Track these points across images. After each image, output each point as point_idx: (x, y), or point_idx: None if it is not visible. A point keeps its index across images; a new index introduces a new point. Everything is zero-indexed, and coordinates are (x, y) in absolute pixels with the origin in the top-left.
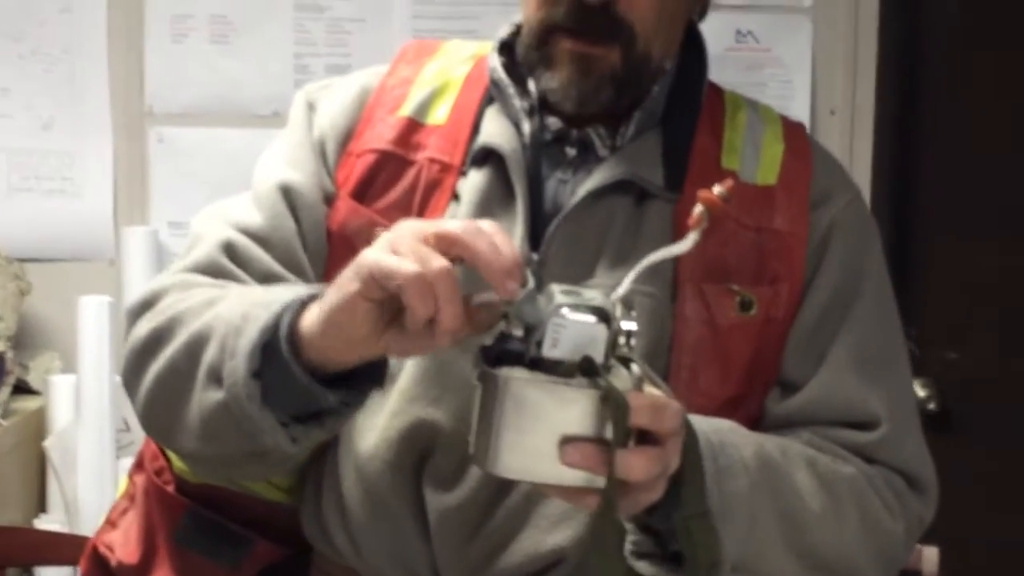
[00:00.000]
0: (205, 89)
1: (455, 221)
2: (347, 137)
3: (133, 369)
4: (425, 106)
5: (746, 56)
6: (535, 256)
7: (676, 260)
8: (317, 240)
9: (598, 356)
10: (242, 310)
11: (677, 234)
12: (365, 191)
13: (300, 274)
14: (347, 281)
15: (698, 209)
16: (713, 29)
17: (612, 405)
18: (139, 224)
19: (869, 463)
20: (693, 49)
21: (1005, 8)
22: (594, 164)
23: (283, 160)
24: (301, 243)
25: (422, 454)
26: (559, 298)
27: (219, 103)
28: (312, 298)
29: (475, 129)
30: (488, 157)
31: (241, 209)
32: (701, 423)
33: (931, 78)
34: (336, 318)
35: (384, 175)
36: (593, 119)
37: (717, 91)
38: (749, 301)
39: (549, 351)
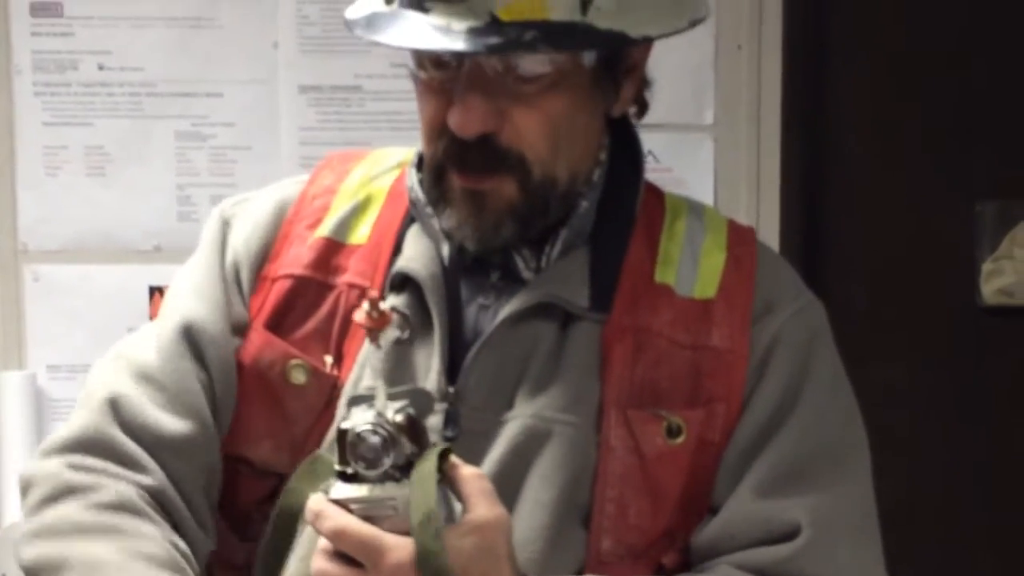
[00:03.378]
0: (82, 224)
1: None
2: (262, 260)
3: None
4: (346, 224)
5: (647, 177)
6: (451, 389)
7: (602, 385)
8: (225, 376)
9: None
10: None
11: (605, 357)
12: (281, 320)
13: (196, 418)
14: None
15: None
16: None
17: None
18: (15, 368)
19: None
20: (627, 151)
21: (906, 128)
22: (518, 288)
23: (190, 289)
24: (204, 384)
25: None
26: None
27: (98, 239)
28: None
29: (397, 250)
30: (407, 282)
31: (141, 344)
32: None
33: (835, 195)
34: None
35: (302, 302)
36: (529, 237)
37: (657, 195)
38: (677, 427)
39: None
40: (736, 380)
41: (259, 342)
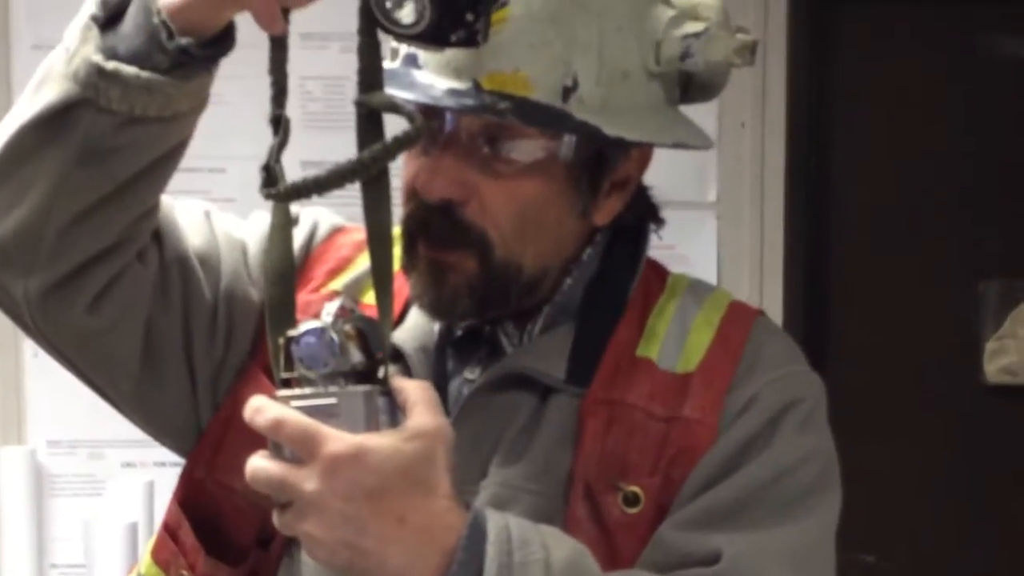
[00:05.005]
0: None
1: None
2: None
3: None
4: (359, 284)
5: (649, 254)
6: None
7: (573, 456)
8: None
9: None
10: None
11: (582, 429)
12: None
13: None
14: None
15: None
16: None
17: None
18: (15, 443)
19: None
20: (628, 241)
21: (909, 207)
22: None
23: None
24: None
25: None
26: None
27: None
28: None
29: (402, 319)
30: (401, 354)
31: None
32: (514, 518)
33: (839, 272)
34: None
35: None
36: (503, 315)
37: (660, 276)
38: (634, 496)
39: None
40: (700, 447)
41: (254, 386)
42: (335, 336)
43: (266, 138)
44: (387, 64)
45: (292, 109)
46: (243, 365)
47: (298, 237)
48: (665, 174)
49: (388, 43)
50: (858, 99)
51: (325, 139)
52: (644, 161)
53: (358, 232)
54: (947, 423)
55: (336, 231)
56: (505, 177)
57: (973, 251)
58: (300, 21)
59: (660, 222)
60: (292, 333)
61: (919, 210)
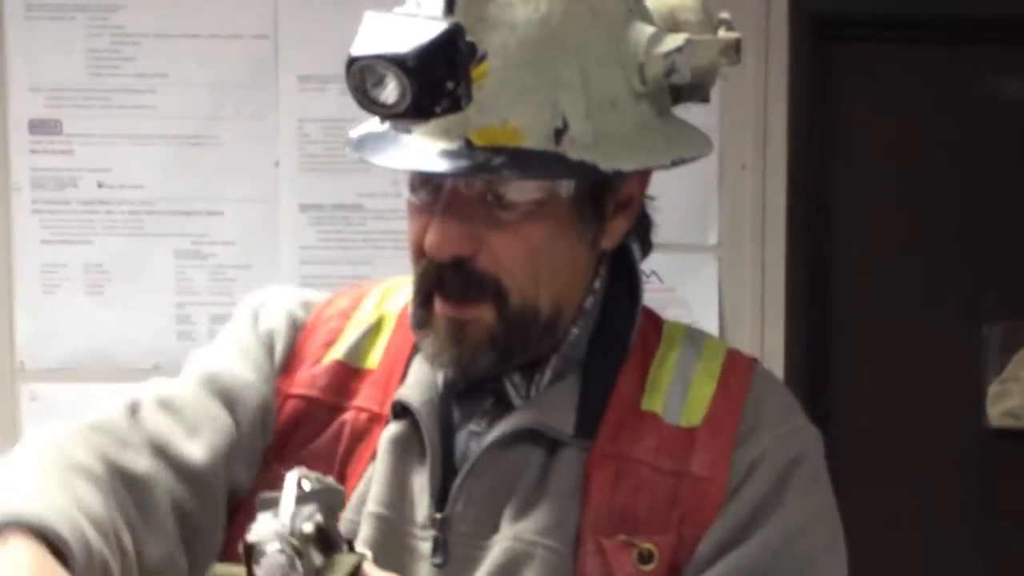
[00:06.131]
0: (80, 343)
1: None
2: (282, 366)
3: None
4: (359, 348)
5: (649, 297)
6: (439, 516)
7: (581, 510)
8: (254, 420)
9: None
10: None
11: (588, 483)
12: (287, 440)
13: (208, 451)
14: None
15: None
16: None
17: None
18: None
19: None
20: (625, 279)
21: (912, 250)
22: (508, 414)
23: (220, 350)
24: (226, 425)
25: None
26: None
27: (96, 358)
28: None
29: (405, 375)
30: (407, 409)
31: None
32: None
33: (841, 315)
34: None
35: (311, 422)
36: (521, 364)
37: (656, 324)
38: (648, 553)
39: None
40: (710, 507)
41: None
42: (293, 553)
43: (264, 180)
44: (375, 128)
45: (291, 151)
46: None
47: (278, 348)
48: (666, 217)
49: None
50: (859, 141)
51: (324, 181)
52: (645, 179)
53: (342, 298)
54: (950, 467)
55: (318, 306)
56: (510, 224)
57: (976, 294)
58: (299, 63)
59: (648, 247)
60: (251, 539)
61: (921, 252)
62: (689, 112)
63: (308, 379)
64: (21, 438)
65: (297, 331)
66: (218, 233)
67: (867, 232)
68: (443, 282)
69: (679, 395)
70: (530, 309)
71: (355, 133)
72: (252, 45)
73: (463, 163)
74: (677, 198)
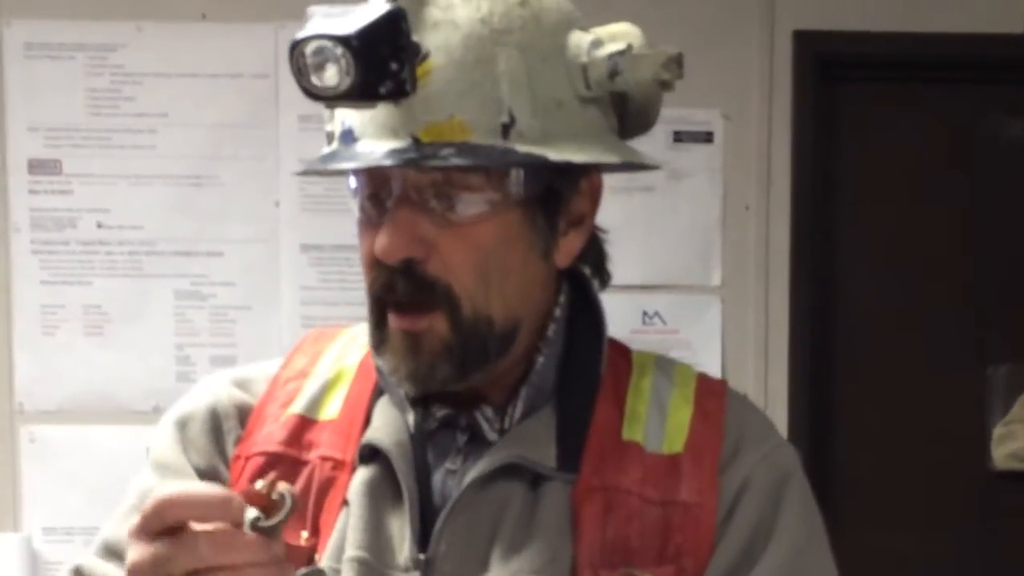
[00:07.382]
0: (80, 384)
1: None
2: (236, 438)
3: None
4: (316, 401)
5: (652, 339)
6: (422, 557)
7: (574, 545)
8: None
9: None
10: None
11: (576, 517)
12: None
13: None
14: None
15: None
16: (618, 310)
17: None
18: (10, 530)
19: None
20: (586, 313)
21: (916, 291)
22: (484, 450)
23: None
24: None
25: None
26: None
27: (95, 399)
28: None
29: (367, 422)
30: (376, 453)
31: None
32: None
33: (845, 357)
34: None
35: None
36: (480, 401)
37: (624, 353)
38: None
39: None
40: (704, 533)
41: None
42: None
43: (264, 220)
44: (325, 150)
45: (291, 192)
46: None
47: (227, 431)
48: (669, 258)
49: (324, 128)
50: (862, 182)
51: (324, 221)
52: (596, 195)
53: (300, 356)
54: (954, 509)
55: (264, 377)
56: (461, 228)
57: (980, 335)
58: (299, 103)
59: (606, 280)
60: None
61: (927, 294)
62: (693, 151)
63: (266, 437)
64: (19, 479)
65: (245, 410)
66: (218, 274)
67: (871, 274)
68: (394, 288)
69: (657, 423)
70: (483, 318)
71: (304, 163)
72: (252, 85)
73: (411, 155)
74: (680, 239)
